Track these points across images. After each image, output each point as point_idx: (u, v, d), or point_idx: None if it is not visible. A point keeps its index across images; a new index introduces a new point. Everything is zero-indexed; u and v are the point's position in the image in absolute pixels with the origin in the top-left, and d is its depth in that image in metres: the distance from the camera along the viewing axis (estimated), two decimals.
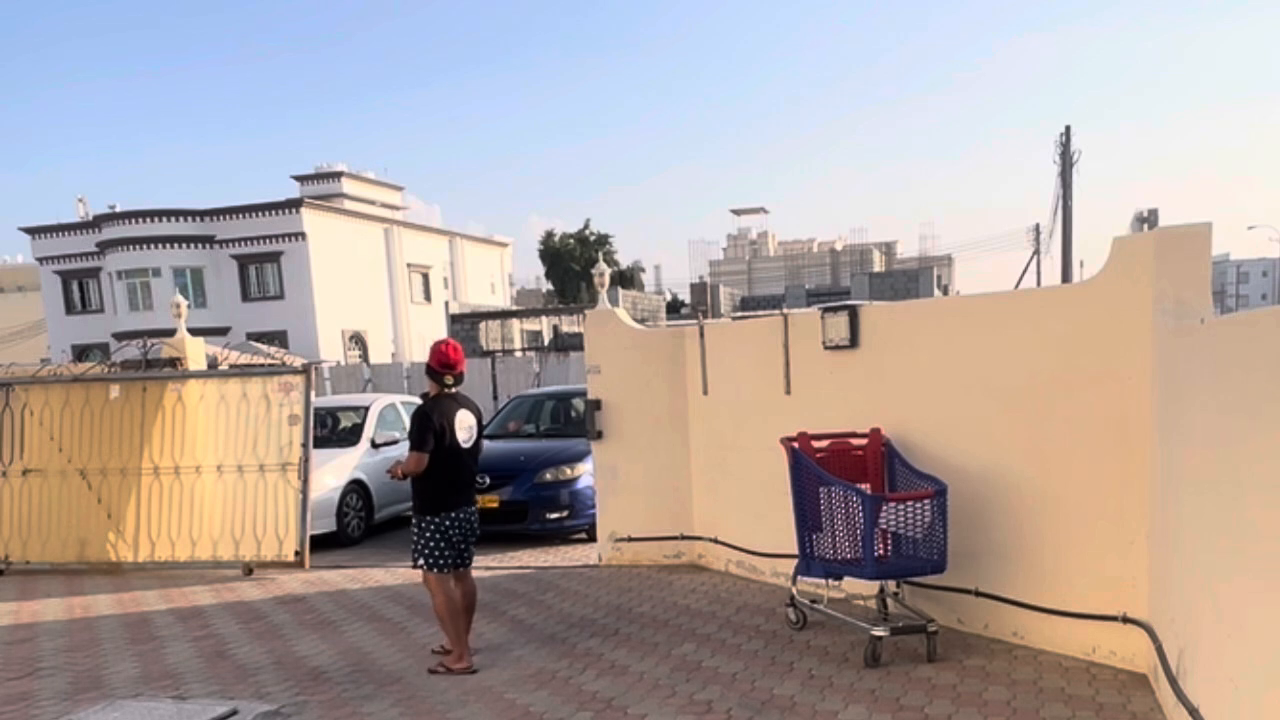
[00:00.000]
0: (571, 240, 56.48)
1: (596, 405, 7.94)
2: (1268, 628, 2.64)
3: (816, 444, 5.69)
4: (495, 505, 9.45)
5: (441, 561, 5.46)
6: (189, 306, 10.58)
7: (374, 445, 10.88)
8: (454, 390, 5.57)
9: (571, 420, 10.92)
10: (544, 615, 6.63)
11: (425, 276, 45.04)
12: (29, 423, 9.25)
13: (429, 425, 5.35)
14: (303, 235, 37.54)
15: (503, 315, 33.35)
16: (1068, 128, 30.80)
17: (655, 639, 5.89)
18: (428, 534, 5.46)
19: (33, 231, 40.72)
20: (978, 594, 5.43)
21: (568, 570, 8.11)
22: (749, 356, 7.06)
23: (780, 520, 6.06)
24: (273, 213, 37.83)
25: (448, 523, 5.46)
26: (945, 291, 40.26)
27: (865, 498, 5.12)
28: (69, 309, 41.13)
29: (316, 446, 9.16)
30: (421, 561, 5.48)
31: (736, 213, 71.15)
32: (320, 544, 9.30)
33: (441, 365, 5.51)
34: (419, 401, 15.32)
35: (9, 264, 55.45)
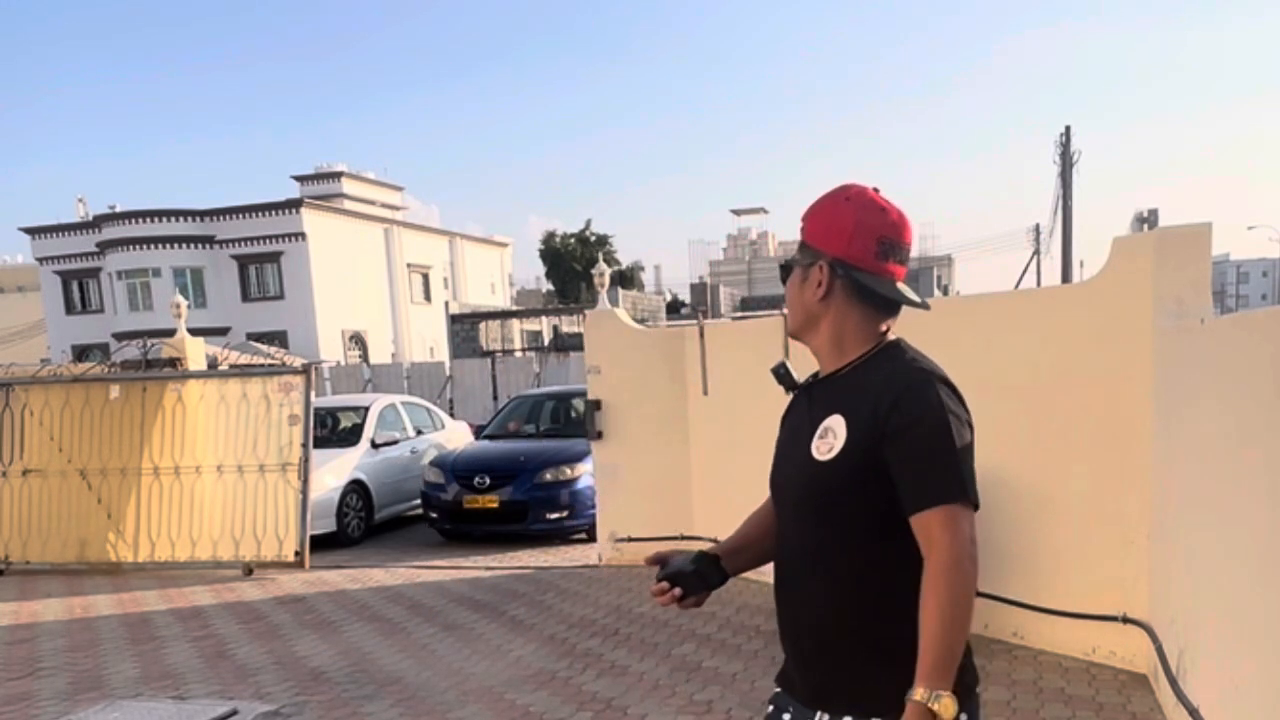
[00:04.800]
0: (572, 240, 56.44)
1: (596, 405, 7.94)
2: (1268, 627, 2.64)
3: None
4: (495, 505, 9.48)
5: None
6: (189, 307, 10.59)
7: (374, 445, 10.90)
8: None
9: (571, 420, 10.92)
10: (544, 615, 6.63)
11: (425, 276, 45.06)
12: (29, 423, 9.25)
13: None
14: (303, 235, 37.55)
15: (503, 315, 33.39)
16: (1068, 128, 30.80)
17: (655, 639, 5.89)
18: None
19: (33, 231, 40.72)
20: (977, 594, 5.41)
21: (568, 570, 8.11)
22: (749, 356, 7.05)
23: None
24: (273, 213, 37.85)
25: None
26: (945, 292, 40.25)
27: None
28: (69, 309, 41.13)
29: (316, 446, 9.15)
30: None
31: (736, 213, 71.05)
32: (320, 544, 9.30)
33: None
34: (419, 401, 15.07)
35: (9, 264, 55.38)
